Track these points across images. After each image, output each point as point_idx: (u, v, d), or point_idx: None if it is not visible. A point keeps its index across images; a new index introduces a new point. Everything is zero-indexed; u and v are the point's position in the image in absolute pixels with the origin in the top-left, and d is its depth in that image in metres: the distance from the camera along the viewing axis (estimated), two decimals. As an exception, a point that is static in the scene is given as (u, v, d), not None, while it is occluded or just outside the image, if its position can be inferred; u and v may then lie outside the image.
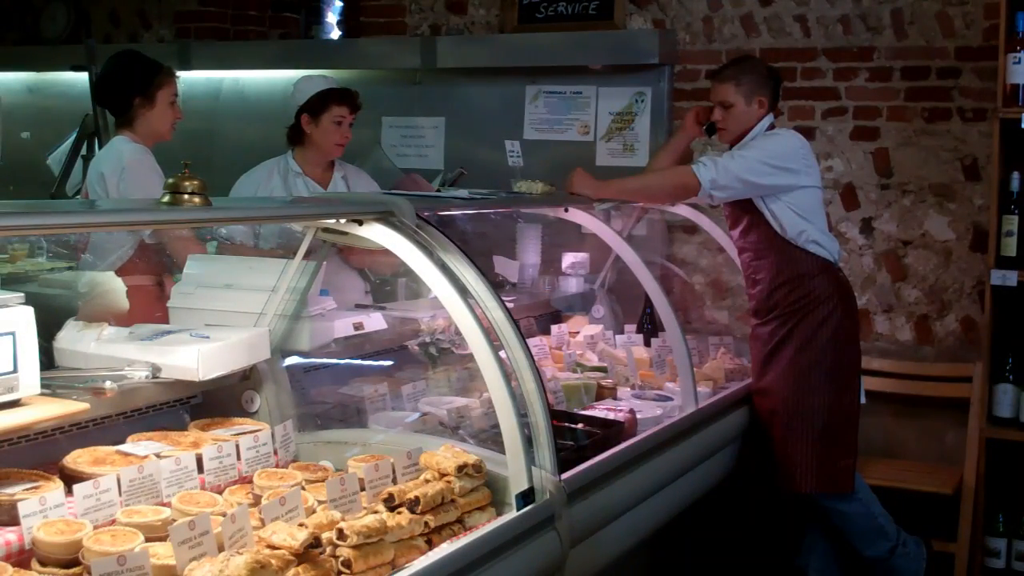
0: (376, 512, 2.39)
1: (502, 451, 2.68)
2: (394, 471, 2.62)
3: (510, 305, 3.03)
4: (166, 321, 3.17)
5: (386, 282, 4.30)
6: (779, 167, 3.98)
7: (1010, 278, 4.30)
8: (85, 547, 2.11)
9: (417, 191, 4.37)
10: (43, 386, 2.47)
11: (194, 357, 2.74)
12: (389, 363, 3.59)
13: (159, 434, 2.73)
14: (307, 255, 3.14)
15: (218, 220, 3.09)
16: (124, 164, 3.94)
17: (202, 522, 2.14)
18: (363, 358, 3.53)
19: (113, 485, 2.33)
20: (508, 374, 2.69)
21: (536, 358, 3.09)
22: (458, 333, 2.90)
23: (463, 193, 3.80)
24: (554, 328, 4.39)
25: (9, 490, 2.28)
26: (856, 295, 4.31)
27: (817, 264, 4.03)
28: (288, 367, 3.11)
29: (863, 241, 5.02)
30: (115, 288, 3.37)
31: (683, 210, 4.66)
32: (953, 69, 4.85)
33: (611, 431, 3.28)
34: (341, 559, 2.22)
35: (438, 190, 4.63)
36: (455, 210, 3.63)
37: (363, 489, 2.53)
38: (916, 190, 4.93)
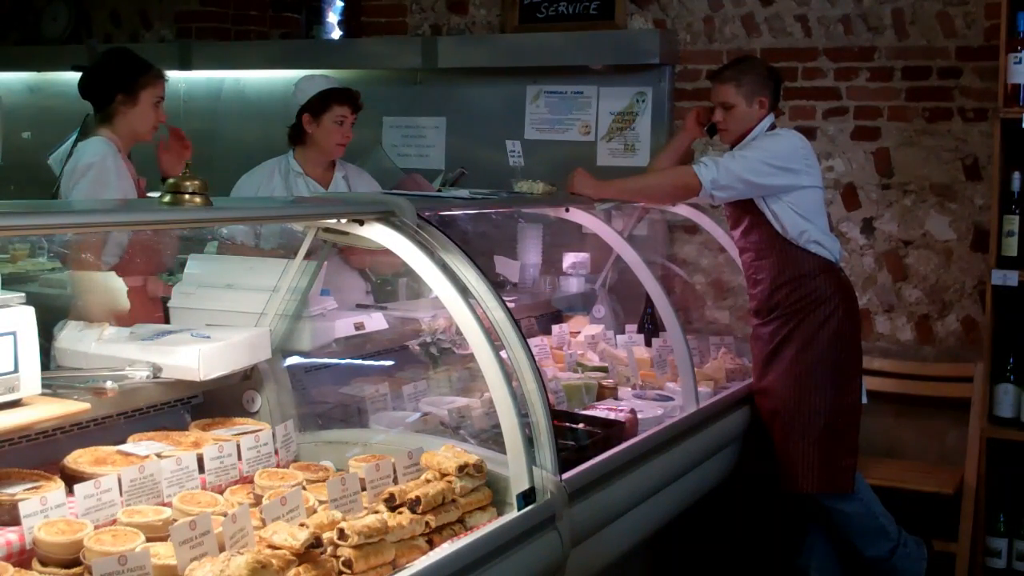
0: (377, 512, 2.39)
1: (503, 451, 2.68)
2: (395, 471, 2.62)
3: (511, 305, 3.03)
4: (153, 320, 3.17)
5: (387, 282, 4.30)
6: (780, 167, 3.98)
7: (1011, 278, 4.30)
8: (86, 547, 2.11)
9: (418, 191, 4.37)
10: (44, 386, 2.47)
11: (195, 357, 2.75)
12: (390, 363, 3.59)
13: (160, 434, 2.73)
14: (308, 255, 3.14)
15: (219, 220, 3.08)
16: (79, 165, 3.89)
17: (203, 522, 2.14)
18: (364, 358, 3.53)
19: (114, 485, 2.33)
20: (509, 374, 2.69)
21: (537, 358, 3.09)
22: (459, 333, 2.89)
23: (464, 193, 3.80)
24: (555, 328, 4.39)
25: (10, 490, 2.28)
26: (857, 295, 4.31)
27: (818, 264, 4.03)
28: (289, 367, 3.11)
29: (864, 241, 5.02)
30: (114, 287, 3.37)
31: (684, 210, 4.65)
32: (954, 69, 4.85)
33: (612, 431, 3.28)
34: (342, 559, 2.22)
35: (439, 190, 4.63)
36: (456, 210, 3.63)
37: (364, 489, 2.53)
38: (917, 190, 4.93)
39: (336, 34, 6.39)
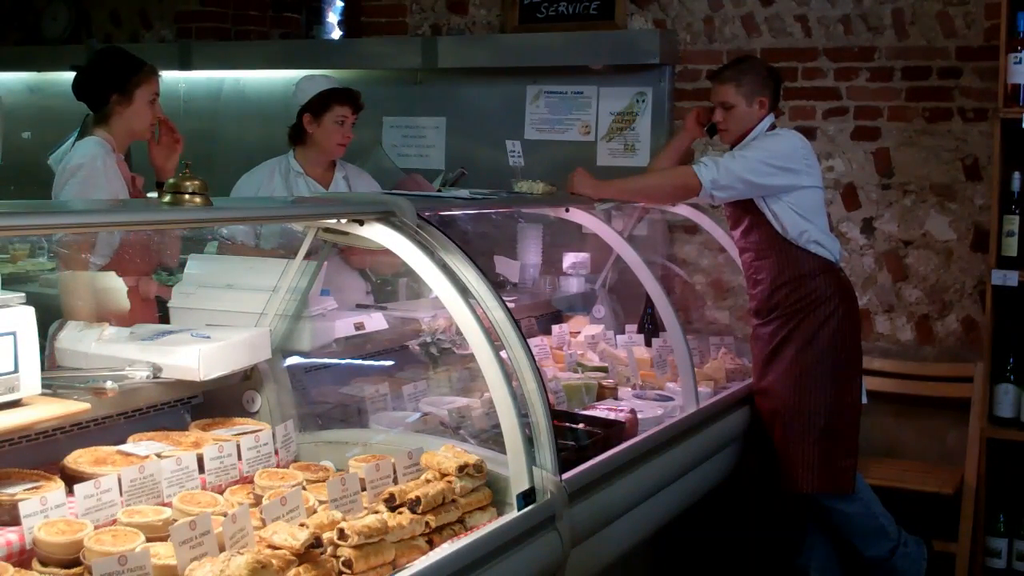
0: (377, 512, 2.39)
1: (503, 451, 2.68)
2: (395, 471, 2.63)
3: (511, 305, 3.03)
4: (145, 321, 3.17)
5: (387, 282, 4.30)
6: (780, 167, 3.98)
7: (1011, 278, 4.30)
8: (86, 547, 2.11)
9: (418, 191, 4.37)
10: (44, 386, 2.47)
11: (195, 357, 2.75)
12: (390, 363, 3.60)
13: (160, 434, 2.73)
14: (308, 255, 3.14)
15: (219, 220, 3.09)
16: (69, 166, 3.87)
17: (203, 522, 2.14)
18: (364, 358, 3.53)
19: (114, 485, 2.33)
20: (509, 374, 2.69)
21: (537, 358, 3.09)
22: (459, 333, 2.89)
23: (464, 193, 3.80)
24: (555, 328, 4.39)
25: (10, 490, 2.28)
26: (857, 295, 4.31)
27: (818, 264, 4.03)
28: (289, 367, 3.11)
29: (864, 241, 5.02)
30: (113, 287, 3.37)
31: (684, 210, 4.65)
32: (954, 69, 4.85)
33: (612, 431, 3.28)
34: (342, 559, 2.22)
35: (439, 190, 4.63)
36: (456, 210, 3.63)
37: (364, 489, 2.53)
38: (917, 190, 4.93)
39: (336, 34, 6.40)
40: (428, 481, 2.57)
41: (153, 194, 3.85)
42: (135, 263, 3.82)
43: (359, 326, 3.41)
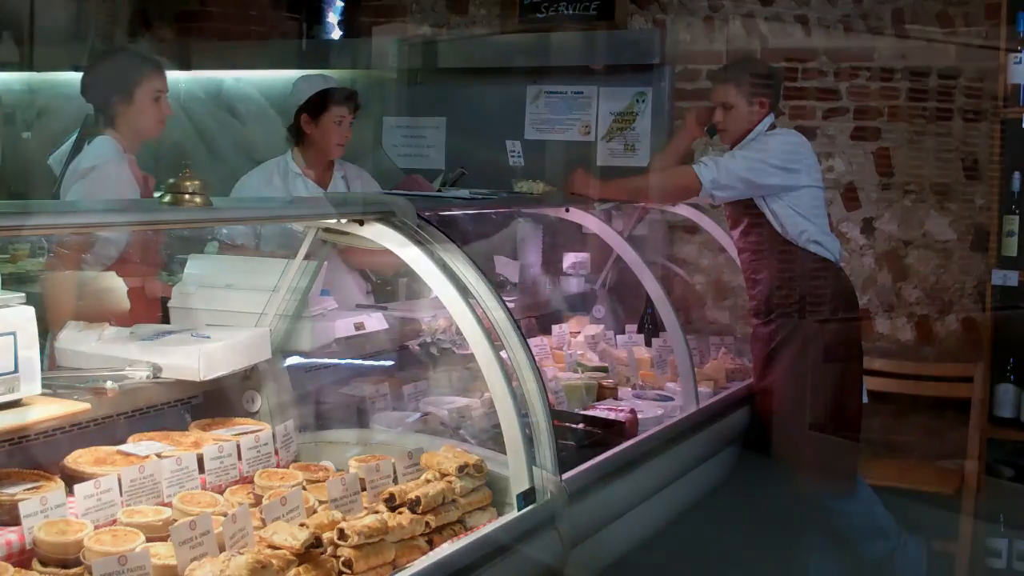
0: (377, 512, 2.39)
1: (503, 451, 2.68)
2: (395, 471, 2.62)
3: (511, 305, 3.03)
4: (147, 321, 3.17)
5: (387, 282, 4.29)
6: (780, 167, 3.98)
7: (1011, 278, 4.31)
8: (86, 547, 2.11)
9: (418, 191, 4.37)
10: (44, 386, 2.47)
11: (195, 357, 2.74)
12: (390, 363, 3.59)
13: (160, 434, 2.72)
14: (308, 255, 3.14)
15: (219, 220, 3.09)
16: (80, 167, 3.84)
17: (203, 522, 2.14)
18: (364, 358, 3.53)
19: (114, 485, 2.33)
20: (509, 374, 2.69)
21: (537, 358, 3.09)
22: (459, 333, 2.90)
23: (464, 193, 3.80)
24: (555, 328, 4.38)
25: (10, 490, 2.28)
26: (857, 295, 4.31)
27: (818, 264, 4.03)
28: (289, 367, 3.11)
29: (864, 241, 5.02)
30: (115, 287, 3.37)
31: (684, 210, 4.66)
32: (954, 69, 4.84)
33: (612, 431, 3.28)
34: (342, 559, 2.22)
35: (439, 190, 4.63)
36: (456, 210, 3.63)
37: (364, 489, 2.53)
38: (917, 190, 4.93)
39: (336, 34, 6.40)
40: (428, 481, 2.57)
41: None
42: (138, 263, 3.82)
43: (359, 326, 3.41)
